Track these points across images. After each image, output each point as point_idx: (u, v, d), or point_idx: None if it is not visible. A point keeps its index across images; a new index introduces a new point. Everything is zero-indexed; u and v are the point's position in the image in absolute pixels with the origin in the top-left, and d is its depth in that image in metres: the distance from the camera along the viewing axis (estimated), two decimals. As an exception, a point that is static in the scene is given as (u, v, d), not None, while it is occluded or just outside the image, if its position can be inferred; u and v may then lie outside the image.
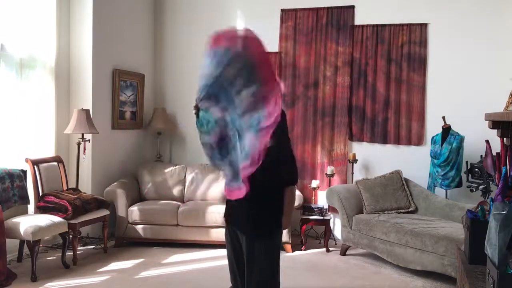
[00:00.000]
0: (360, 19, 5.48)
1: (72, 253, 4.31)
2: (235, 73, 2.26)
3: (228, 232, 2.99)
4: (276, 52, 5.74)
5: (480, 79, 5.05)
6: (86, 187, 5.01)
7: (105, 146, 5.28)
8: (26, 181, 4.26)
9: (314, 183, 5.32)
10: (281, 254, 4.94)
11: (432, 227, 4.17)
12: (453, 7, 5.16)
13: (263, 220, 2.83)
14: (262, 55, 2.27)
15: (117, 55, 5.47)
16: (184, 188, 5.48)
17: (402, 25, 5.31)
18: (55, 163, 4.68)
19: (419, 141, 5.28)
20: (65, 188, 4.68)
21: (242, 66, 2.24)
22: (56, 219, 4.08)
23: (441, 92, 5.20)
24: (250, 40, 2.25)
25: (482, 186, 4.33)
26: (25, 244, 4.12)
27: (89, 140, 4.90)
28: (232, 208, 2.93)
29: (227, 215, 3.00)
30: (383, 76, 5.37)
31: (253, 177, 2.66)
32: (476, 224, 2.43)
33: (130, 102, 5.73)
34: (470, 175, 4.58)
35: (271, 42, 5.76)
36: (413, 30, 5.28)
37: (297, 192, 4.94)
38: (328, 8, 5.56)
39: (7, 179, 4.02)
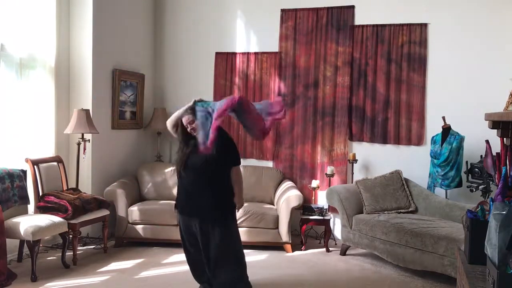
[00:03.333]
0: (360, 19, 5.48)
1: (72, 253, 4.31)
2: None
3: (182, 221, 3.46)
4: (276, 52, 5.74)
5: (480, 79, 5.05)
6: (86, 187, 5.01)
7: (105, 146, 5.28)
8: (26, 181, 4.26)
9: (314, 183, 5.32)
10: (281, 254, 4.98)
11: (432, 227, 4.16)
12: (453, 7, 5.17)
13: (217, 204, 3.34)
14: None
15: (117, 55, 5.47)
16: (184, 188, 5.47)
17: (402, 25, 5.31)
18: (55, 163, 4.68)
19: (419, 141, 5.28)
20: (65, 188, 4.68)
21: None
22: (56, 219, 4.08)
23: (441, 92, 5.21)
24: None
25: (482, 186, 4.33)
26: (25, 244, 4.12)
27: (89, 140, 4.90)
28: (186, 198, 3.39)
29: (181, 206, 3.44)
30: (383, 76, 5.37)
31: (205, 168, 3.25)
32: (476, 224, 2.43)
33: (130, 102, 5.73)
34: (470, 175, 4.58)
35: (271, 42, 5.77)
36: (413, 30, 5.28)
37: (297, 192, 4.96)
38: (328, 8, 5.56)
39: (7, 179, 4.02)
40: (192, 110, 3.29)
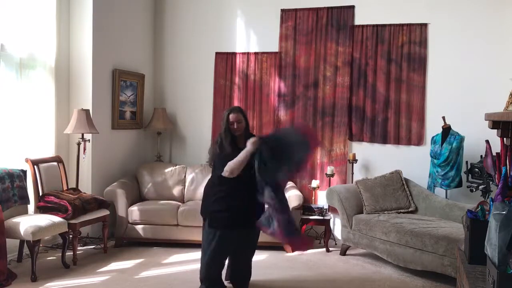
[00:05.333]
0: (360, 19, 5.48)
1: (72, 253, 4.31)
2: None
3: (225, 235, 3.42)
4: (276, 52, 5.74)
5: (480, 79, 5.05)
6: (86, 187, 5.01)
7: (105, 146, 5.28)
8: (26, 181, 4.26)
9: (314, 183, 5.32)
10: (281, 254, 4.98)
11: (432, 227, 4.16)
12: (453, 7, 5.16)
13: (259, 204, 3.46)
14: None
15: (117, 55, 5.47)
16: (184, 188, 5.48)
17: (402, 25, 5.31)
18: (55, 163, 4.68)
19: (419, 141, 5.28)
20: (65, 188, 4.68)
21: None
22: (56, 219, 4.08)
23: (441, 92, 5.20)
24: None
25: (482, 186, 4.33)
26: (25, 244, 4.12)
27: (89, 140, 4.90)
28: (242, 209, 3.42)
29: (231, 220, 3.42)
30: (383, 76, 5.37)
31: (250, 180, 3.34)
32: (476, 224, 2.43)
33: (130, 102, 5.73)
34: (470, 175, 4.58)
35: (271, 42, 5.77)
36: (413, 30, 5.28)
37: (297, 192, 4.99)
38: (328, 8, 5.56)
39: (7, 179, 4.02)
40: (240, 110, 3.48)
